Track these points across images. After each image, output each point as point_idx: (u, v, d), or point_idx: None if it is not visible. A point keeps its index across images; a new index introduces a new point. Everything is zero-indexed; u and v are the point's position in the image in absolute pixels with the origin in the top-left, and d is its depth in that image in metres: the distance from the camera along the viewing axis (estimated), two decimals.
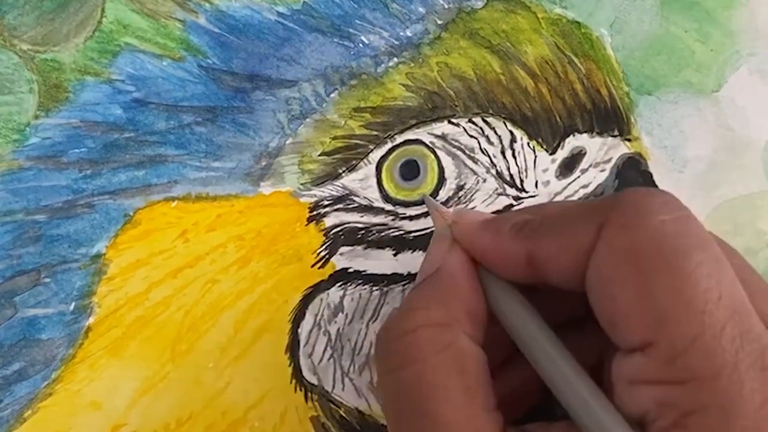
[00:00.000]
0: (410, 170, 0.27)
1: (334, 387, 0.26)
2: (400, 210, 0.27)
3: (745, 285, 0.18)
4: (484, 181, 0.28)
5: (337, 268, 0.26)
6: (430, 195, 0.27)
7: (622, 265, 0.18)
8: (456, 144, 0.28)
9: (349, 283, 0.27)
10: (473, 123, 0.28)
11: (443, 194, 0.27)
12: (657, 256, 0.17)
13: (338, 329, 0.26)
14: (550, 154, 0.28)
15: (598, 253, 0.18)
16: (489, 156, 0.28)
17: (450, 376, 0.19)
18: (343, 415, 0.26)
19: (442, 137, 0.27)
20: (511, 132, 0.28)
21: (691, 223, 0.18)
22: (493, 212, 0.28)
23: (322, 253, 0.26)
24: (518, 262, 0.20)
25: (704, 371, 0.16)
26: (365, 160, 0.27)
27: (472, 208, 0.28)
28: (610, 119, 0.29)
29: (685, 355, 0.16)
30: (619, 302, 0.18)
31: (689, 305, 0.16)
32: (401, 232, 0.27)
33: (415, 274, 0.27)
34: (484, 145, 0.28)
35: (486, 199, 0.28)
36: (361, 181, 0.27)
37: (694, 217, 0.18)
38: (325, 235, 0.26)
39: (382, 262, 0.27)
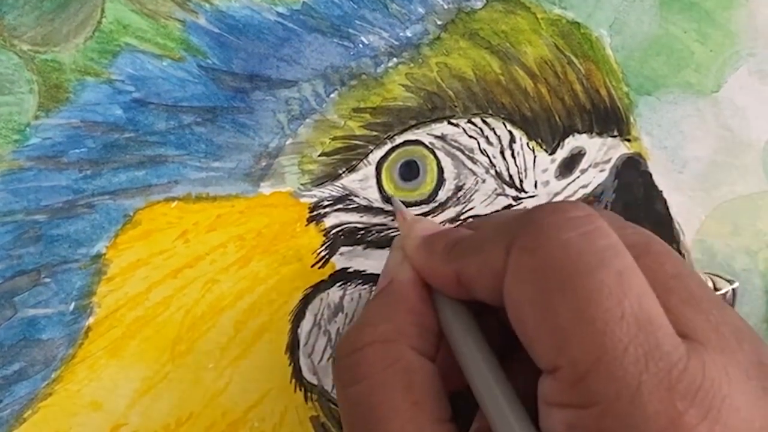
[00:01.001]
0: (410, 171, 0.27)
1: (333, 387, 0.26)
2: None
3: (672, 293, 0.18)
4: (484, 181, 0.28)
5: (337, 268, 0.27)
6: (430, 195, 0.27)
7: (527, 288, 0.17)
8: (455, 144, 0.28)
9: (348, 283, 0.27)
10: (472, 123, 0.28)
11: (442, 195, 0.27)
12: (558, 277, 0.17)
13: (338, 329, 0.26)
14: (550, 155, 0.28)
15: (507, 275, 0.18)
16: (488, 156, 0.28)
17: (396, 391, 0.19)
18: None
19: (442, 138, 0.27)
20: (510, 132, 0.28)
21: (598, 236, 0.17)
22: (492, 212, 0.28)
23: (322, 253, 0.26)
24: (449, 281, 0.20)
25: (606, 395, 0.16)
26: (365, 161, 0.27)
27: (471, 208, 0.28)
28: (610, 119, 0.29)
29: (587, 378, 0.16)
30: (527, 326, 0.17)
31: (589, 326, 0.16)
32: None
33: None
34: (484, 145, 0.28)
35: (485, 200, 0.28)
36: (360, 181, 0.27)
37: (604, 229, 0.17)
38: (325, 235, 0.26)
39: (381, 262, 0.27)
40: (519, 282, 0.18)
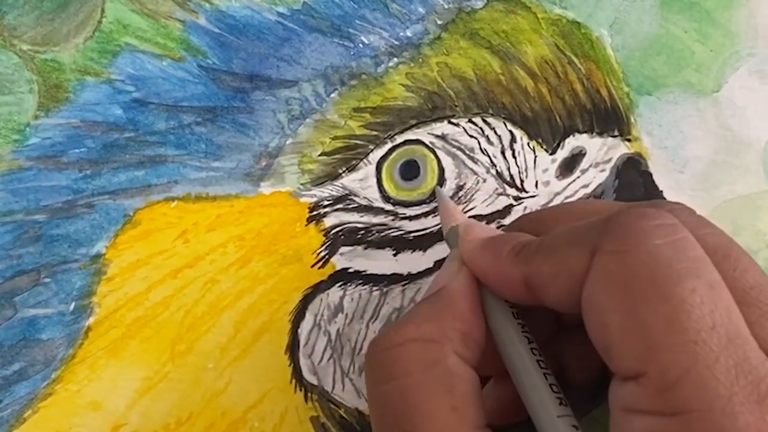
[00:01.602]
0: (410, 170, 0.27)
1: (334, 387, 0.26)
2: (400, 210, 0.27)
3: (753, 306, 0.17)
4: (484, 181, 0.28)
5: (337, 268, 0.26)
6: (430, 195, 0.27)
7: (613, 292, 0.17)
8: (456, 144, 0.28)
9: (348, 283, 0.27)
10: (473, 123, 0.28)
11: None
12: (648, 283, 0.17)
13: (338, 329, 0.26)
14: (550, 154, 0.28)
15: (591, 279, 0.18)
16: (489, 156, 0.28)
17: (436, 393, 0.19)
18: (343, 415, 0.26)
19: (442, 137, 0.27)
20: (511, 132, 0.28)
21: (687, 246, 0.17)
22: (493, 212, 0.28)
23: (322, 253, 0.26)
24: (516, 285, 0.20)
25: (697, 403, 0.15)
26: (365, 160, 0.27)
27: (472, 208, 0.28)
28: (610, 119, 0.29)
29: (677, 386, 0.16)
30: (610, 330, 0.17)
31: (681, 335, 0.16)
32: (401, 232, 0.27)
33: (415, 274, 0.27)
34: (484, 145, 0.28)
35: (486, 199, 0.28)
36: (361, 181, 0.27)
37: (691, 239, 0.18)
38: (325, 235, 0.26)
39: (381, 262, 0.27)
40: (604, 286, 0.17)
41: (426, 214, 0.27)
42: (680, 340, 0.16)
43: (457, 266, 0.22)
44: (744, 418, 0.15)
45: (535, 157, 0.28)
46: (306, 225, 0.26)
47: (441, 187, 0.27)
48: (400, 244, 0.27)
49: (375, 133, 0.27)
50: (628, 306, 0.17)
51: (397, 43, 0.27)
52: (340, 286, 0.26)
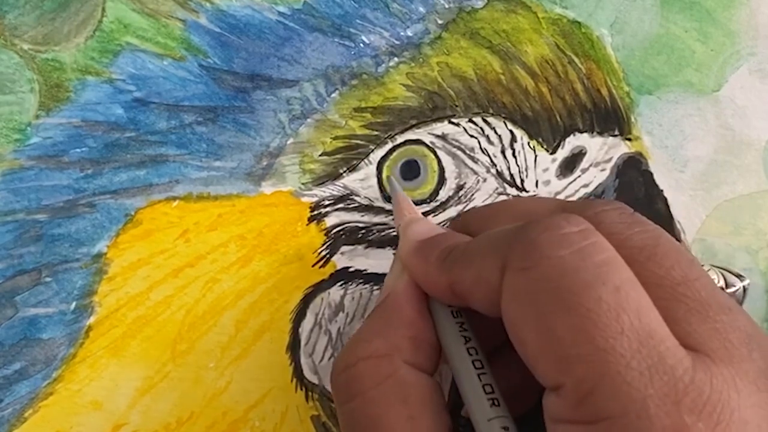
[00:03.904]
0: (411, 170, 0.27)
1: None
2: None
3: (679, 302, 0.17)
4: (485, 180, 0.28)
5: (338, 268, 0.27)
6: (431, 195, 0.27)
7: (525, 308, 0.17)
8: (456, 144, 0.28)
9: (349, 283, 0.27)
10: (473, 123, 0.28)
11: (444, 194, 0.27)
12: (554, 297, 0.17)
13: (339, 328, 0.26)
14: (551, 154, 0.28)
15: (504, 295, 0.18)
16: (489, 155, 0.28)
17: (391, 406, 0.19)
18: None
19: (443, 137, 0.27)
20: (511, 131, 0.28)
21: (594, 252, 0.17)
22: (487, 204, 0.28)
23: (323, 253, 0.26)
24: (444, 291, 0.20)
25: (613, 410, 0.15)
26: (366, 160, 0.27)
27: (472, 207, 0.28)
28: (611, 119, 0.29)
29: (592, 395, 0.16)
30: (528, 345, 0.17)
31: (590, 344, 0.16)
32: None
33: None
34: (485, 144, 0.28)
35: (486, 199, 0.28)
36: (361, 180, 0.27)
37: (600, 243, 0.17)
38: (326, 234, 0.26)
39: (382, 261, 0.27)
40: (516, 302, 0.17)
41: (426, 214, 0.27)
42: (590, 349, 0.16)
43: (400, 268, 0.22)
44: (661, 421, 0.15)
45: (536, 156, 0.28)
46: (307, 224, 0.26)
47: (441, 186, 0.27)
48: None
49: (376, 132, 0.27)
50: (539, 321, 0.17)
51: (397, 42, 0.27)
52: (340, 285, 0.27)
